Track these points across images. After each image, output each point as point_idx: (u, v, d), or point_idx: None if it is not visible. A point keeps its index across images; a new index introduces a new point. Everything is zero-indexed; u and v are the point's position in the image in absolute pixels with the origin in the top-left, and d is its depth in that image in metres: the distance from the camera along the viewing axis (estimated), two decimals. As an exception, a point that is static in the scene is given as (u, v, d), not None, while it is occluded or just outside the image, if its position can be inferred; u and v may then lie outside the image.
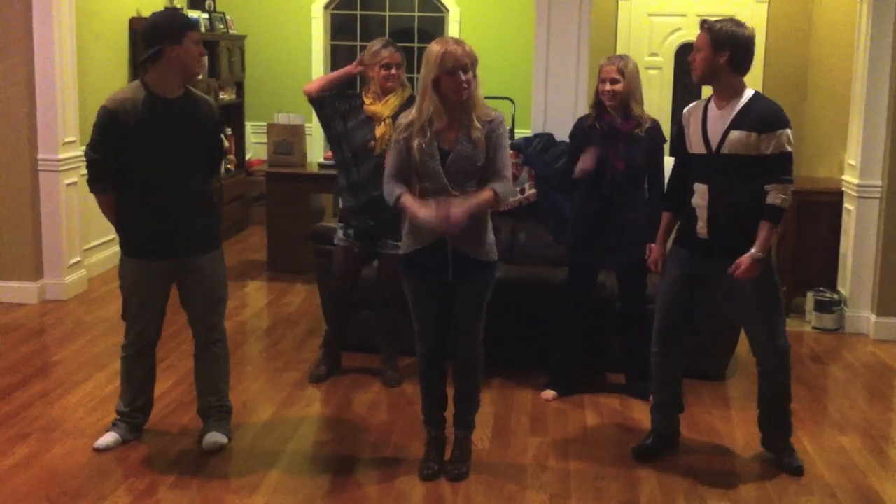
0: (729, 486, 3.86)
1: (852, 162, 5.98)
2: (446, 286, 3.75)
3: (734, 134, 3.74)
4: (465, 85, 3.55)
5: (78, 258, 6.50)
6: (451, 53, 3.53)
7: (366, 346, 5.17)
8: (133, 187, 3.86)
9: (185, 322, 4.15)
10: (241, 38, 9.02)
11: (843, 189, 6.09)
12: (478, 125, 3.62)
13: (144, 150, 3.79)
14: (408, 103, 4.61)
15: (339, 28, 9.62)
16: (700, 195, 3.84)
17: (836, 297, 6.01)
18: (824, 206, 6.17)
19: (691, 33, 8.44)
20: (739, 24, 3.76)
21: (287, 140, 7.24)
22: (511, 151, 5.38)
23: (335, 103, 4.72)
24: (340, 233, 4.83)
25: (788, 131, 3.74)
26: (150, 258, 3.89)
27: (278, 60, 9.42)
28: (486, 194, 3.63)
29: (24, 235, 6.20)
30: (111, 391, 4.52)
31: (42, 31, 6.03)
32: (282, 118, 7.38)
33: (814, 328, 6.02)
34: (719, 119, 3.79)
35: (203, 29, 8.12)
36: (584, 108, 5.41)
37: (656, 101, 8.58)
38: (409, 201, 3.63)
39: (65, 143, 6.21)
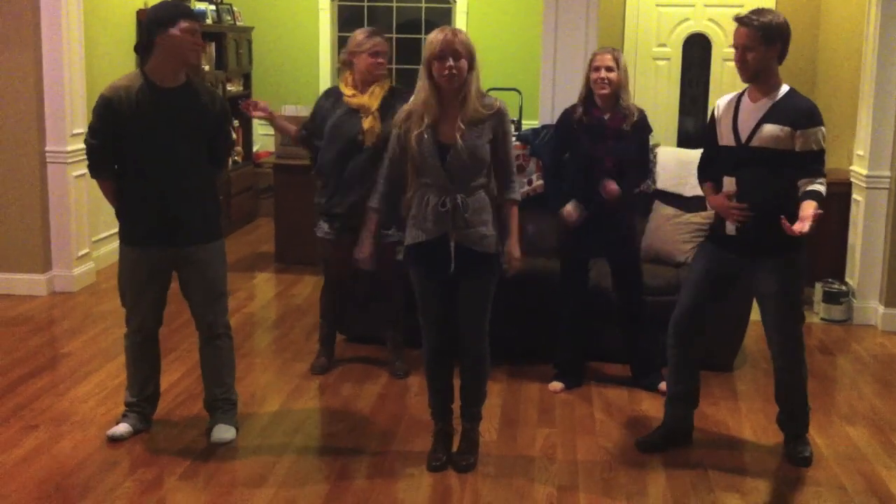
0: (737, 477, 3.85)
1: (861, 152, 5.95)
2: (451, 282, 3.75)
3: (768, 127, 3.69)
4: (453, 71, 3.52)
5: (86, 250, 6.52)
6: (441, 39, 3.52)
7: (373, 338, 5.18)
8: (131, 175, 3.87)
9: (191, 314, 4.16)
10: (249, 29, 9.02)
11: (852, 180, 6.07)
12: (476, 117, 3.60)
13: (141, 139, 3.80)
14: (391, 94, 4.61)
15: (347, 19, 9.61)
16: (728, 187, 3.82)
17: (844, 288, 5.99)
18: (833, 197, 6.00)
19: (699, 24, 8.46)
20: (775, 13, 3.72)
21: (295, 132, 7.21)
22: (518, 143, 5.39)
23: (322, 106, 4.71)
24: (326, 226, 4.75)
25: (823, 129, 3.70)
26: (146, 246, 3.90)
27: (286, 52, 9.41)
28: (513, 212, 3.80)
29: (33, 227, 6.21)
30: (120, 383, 4.54)
31: (50, 23, 6.03)
32: (289, 110, 7.37)
33: (822, 319, 6.01)
34: (753, 112, 3.75)
35: (210, 20, 8.13)
36: (591, 100, 5.37)
37: (664, 92, 8.56)
38: (368, 226, 3.83)
39: (73, 135, 6.20)
